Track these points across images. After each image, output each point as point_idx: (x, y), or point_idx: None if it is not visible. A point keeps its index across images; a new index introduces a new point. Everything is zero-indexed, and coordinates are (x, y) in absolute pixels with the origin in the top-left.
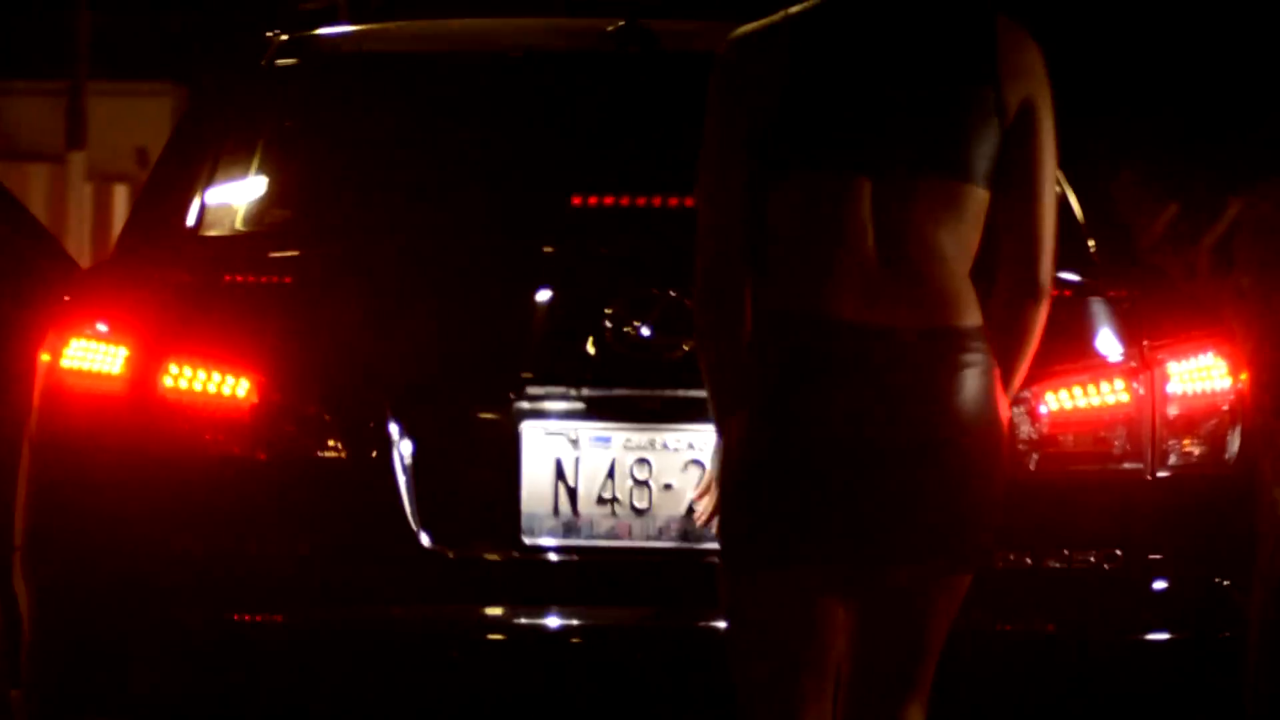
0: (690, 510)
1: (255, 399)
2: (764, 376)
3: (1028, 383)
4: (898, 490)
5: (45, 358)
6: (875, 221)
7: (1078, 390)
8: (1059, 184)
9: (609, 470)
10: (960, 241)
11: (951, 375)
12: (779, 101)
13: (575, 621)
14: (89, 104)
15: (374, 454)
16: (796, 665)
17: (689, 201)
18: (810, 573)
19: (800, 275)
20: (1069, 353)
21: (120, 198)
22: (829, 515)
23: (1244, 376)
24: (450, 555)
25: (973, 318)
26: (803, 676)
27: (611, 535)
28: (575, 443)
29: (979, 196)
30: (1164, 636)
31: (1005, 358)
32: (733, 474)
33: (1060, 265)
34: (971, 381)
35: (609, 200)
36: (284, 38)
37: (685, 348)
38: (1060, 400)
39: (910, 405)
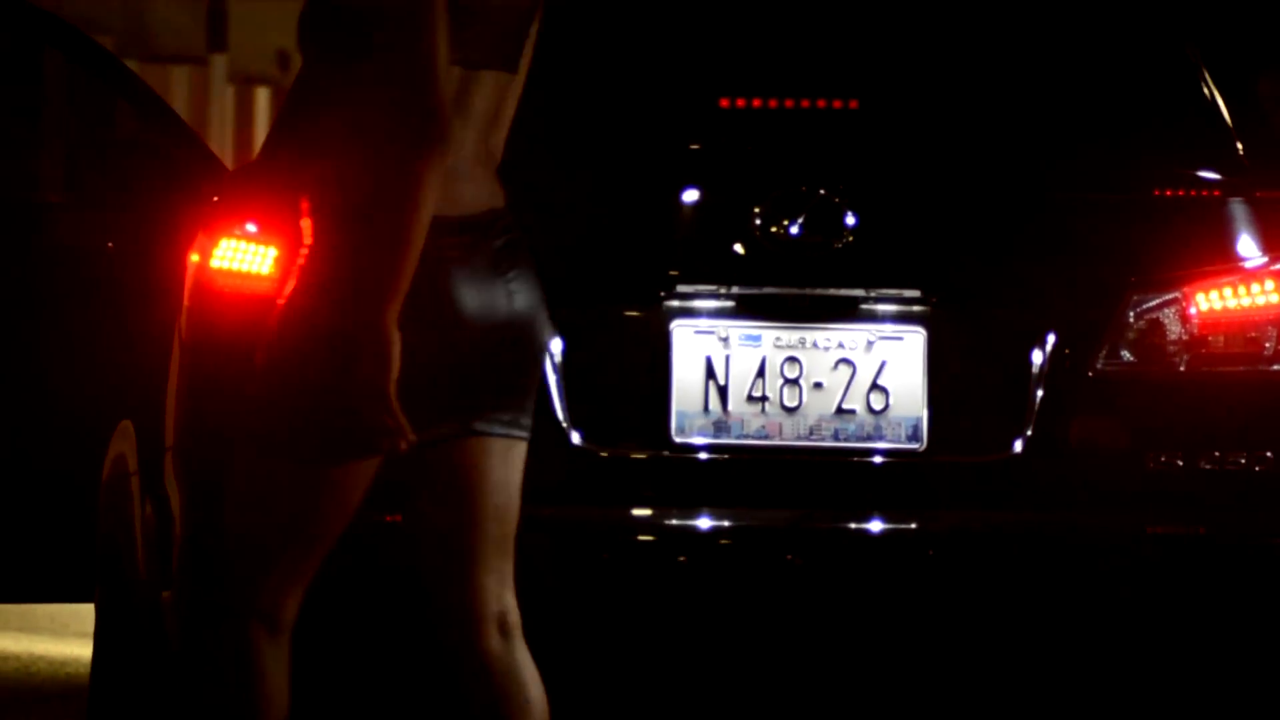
0: (840, 410)
1: None
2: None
3: (1178, 283)
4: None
5: (195, 258)
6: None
7: (1228, 291)
8: (1208, 85)
9: (759, 369)
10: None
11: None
12: None
13: (726, 522)
14: (230, 5)
15: None
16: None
17: (837, 102)
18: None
19: None
20: (1218, 253)
21: (262, 100)
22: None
23: None
24: (601, 454)
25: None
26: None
27: (761, 434)
28: (725, 341)
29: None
30: None
31: None
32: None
33: (1209, 166)
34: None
35: (757, 101)
36: None
37: (836, 245)
38: (1210, 301)
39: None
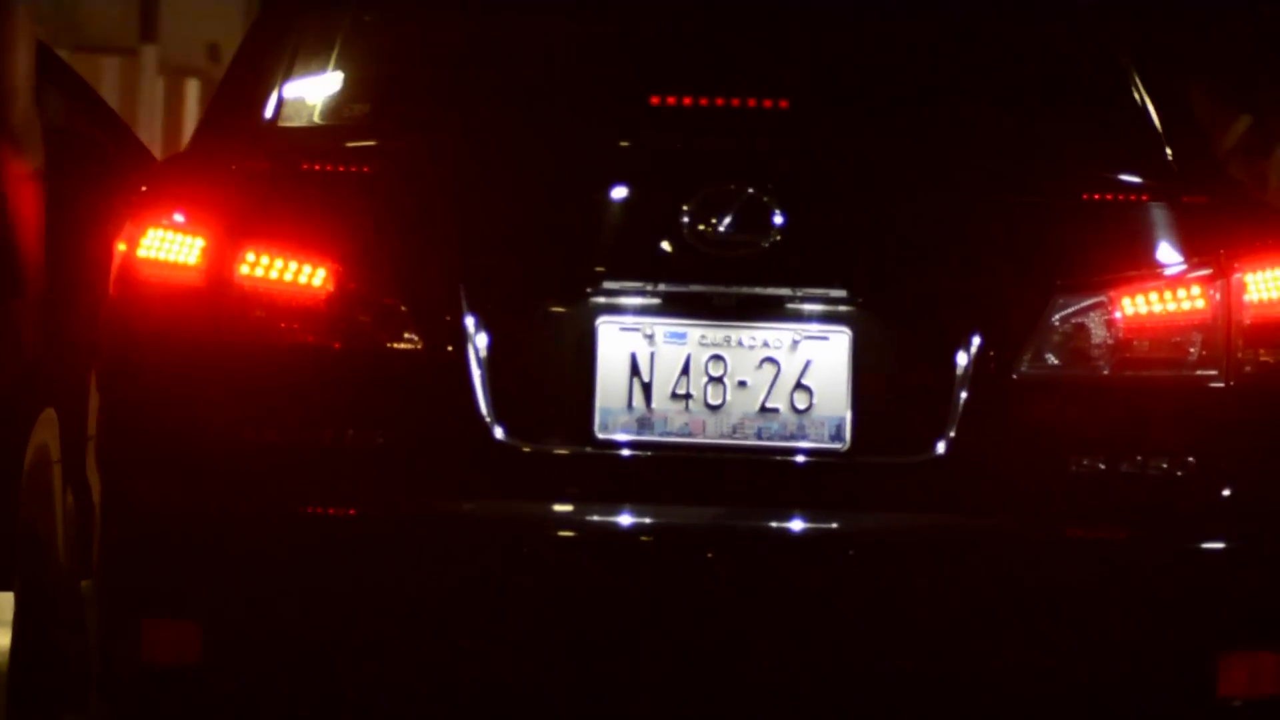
0: (764, 408)
1: (331, 288)
2: None
3: (1104, 287)
4: None
5: (121, 247)
6: None
7: (1153, 296)
8: (1138, 91)
9: (684, 366)
10: None
11: None
12: None
13: (647, 519)
14: None
15: (449, 347)
16: None
17: (767, 101)
18: None
19: None
20: (1144, 258)
21: (192, 91)
22: None
23: None
24: (523, 449)
25: None
26: None
27: (685, 432)
28: (650, 338)
29: None
30: (1231, 545)
31: None
32: None
33: (1137, 171)
34: None
35: (687, 99)
36: None
37: (763, 244)
38: (1135, 305)
39: None
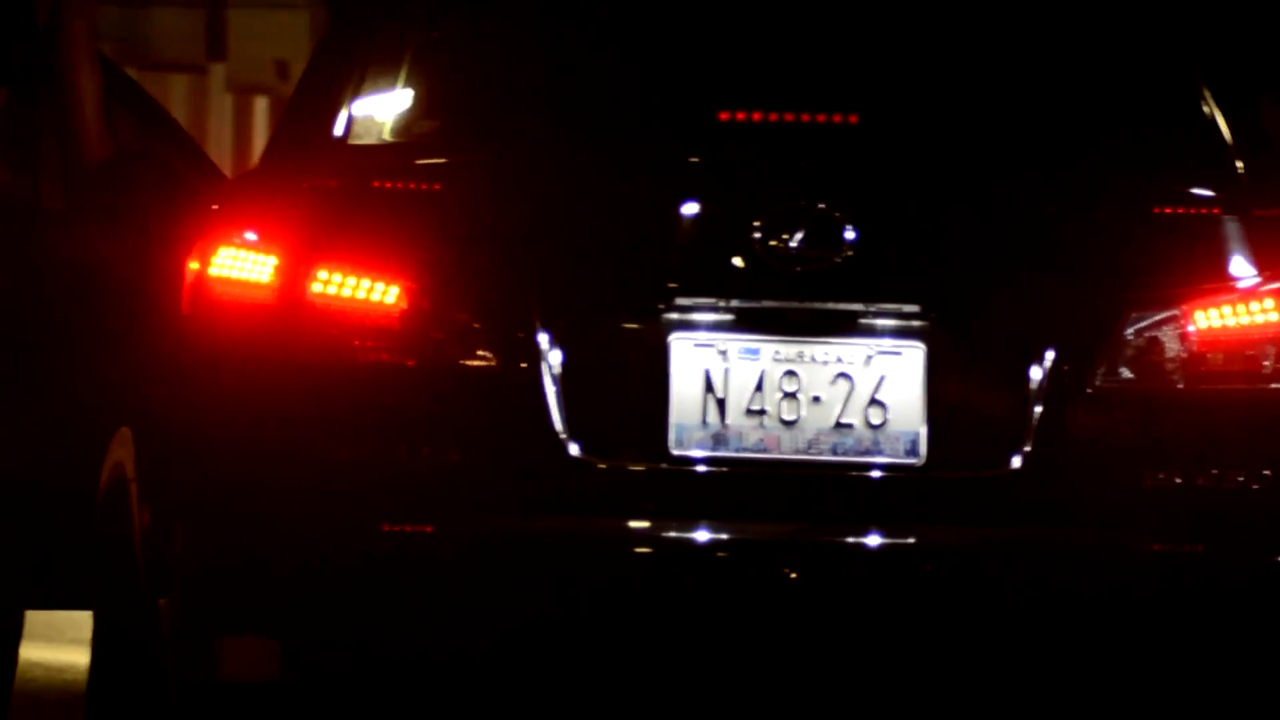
0: (839, 424)
1: (404, 306)
2: None
3: (1177, 300)
4: None
5: (194, 266)
6: None
7: (1226, 309)
8: (1209, 103)
9: (758, 382)
10: None
11: None
12: None
13: (722, 535)
14: (229, 16)
15: (522, 363)
16: None
17: (838, 116)
18: None
19: None
20: (1217, 271)
21: (260, 109)
22: None
23: None
24: (598, 466)
25: None
26: None
27: (759, 448)
28: (724, 354)
29: None
30: None
31: None
32: None
33: (1208, 184)
34: None
35: (757, 115)
36: None
37: (835, 260)
38: (1209, 318)
39: None
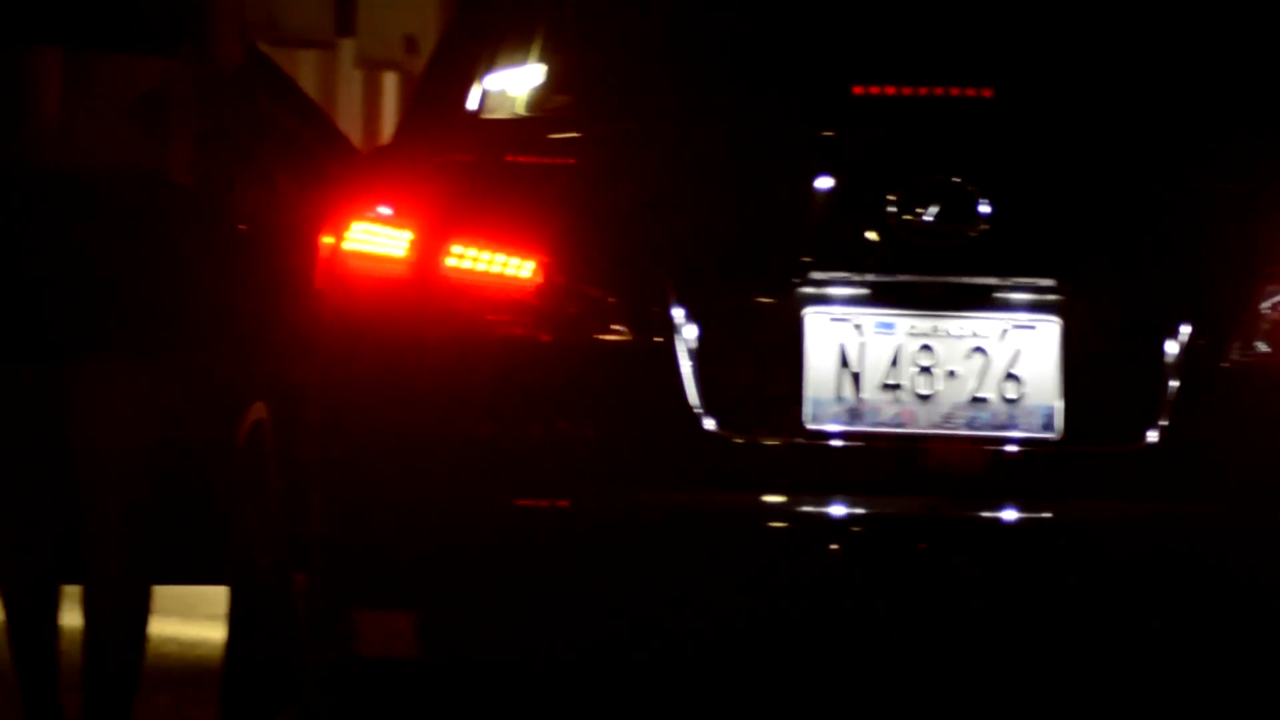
0: (974, 398)
1: (538, 281)
2: None
3: None
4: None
5: (328, 240)
6: None
7: None
8: None
9: (893, 357)
10: None
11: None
12: None
13: (858, 510)
14: None
15: (657, 338)
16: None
17: (971, 90)
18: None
19: None
20: None
21: (389, 85)
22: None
23: None
24: (733, 441)
25: None
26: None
27: (895, 422)
28: (859, 329)
29: None
30: None
31: None
32: None
33: None
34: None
35: (891, 89)
36: None
37: (970, 234)
38: None
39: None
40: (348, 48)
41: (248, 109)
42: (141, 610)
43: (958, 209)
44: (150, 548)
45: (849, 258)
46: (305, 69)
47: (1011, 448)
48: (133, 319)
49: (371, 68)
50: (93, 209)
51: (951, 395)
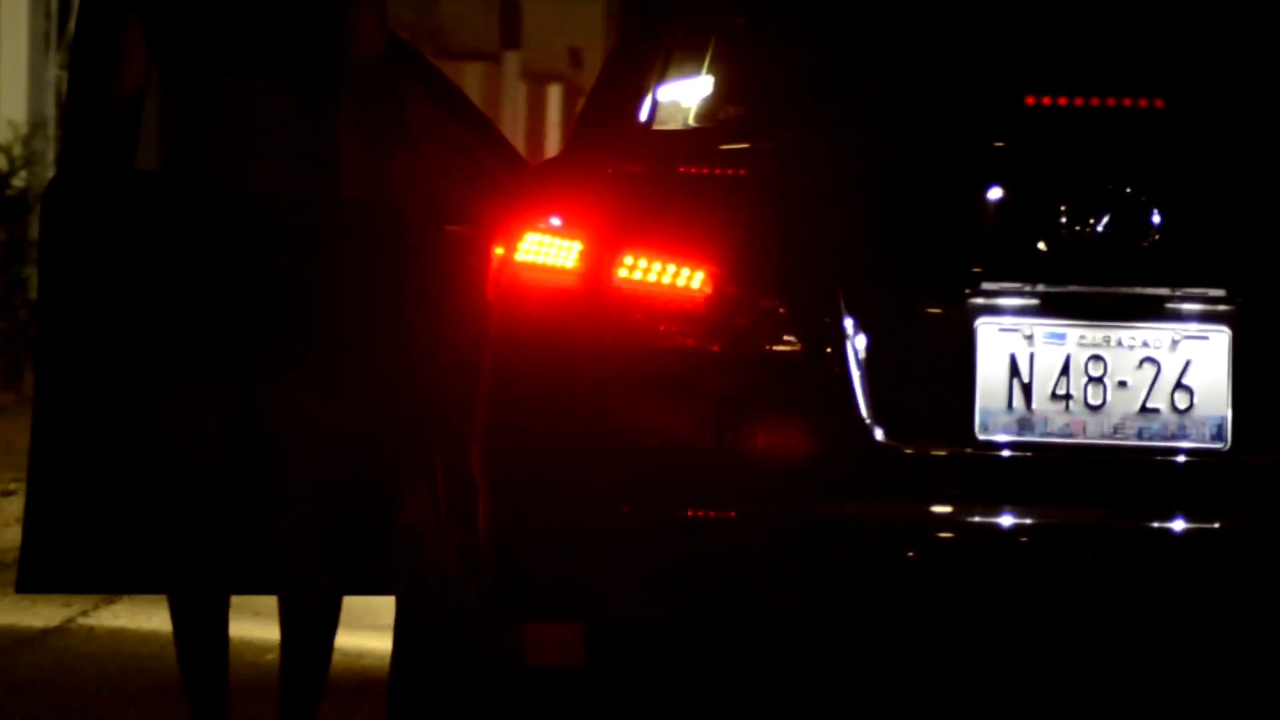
0: (1145, 408)
1: (709, 291)
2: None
3: None
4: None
5: (499, 251)
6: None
7: None
8: None
9: (1063, 366)
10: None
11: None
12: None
13: (1027, 520)
14: (523, 4)
15: (828, 348)
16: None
17: (1143, 100)
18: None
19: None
20: None
21: (554, 97)
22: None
23: None
24: (904, 451)
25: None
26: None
27: (1065, 432)
28: (1029, 339)
29: None
30: None
31: None
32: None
33: None
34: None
35: (1062, 99)
36: None
37: (1141, 244)
38: None
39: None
40: (512, 60)
41: (392, 105)
42: (334, 619)
43: (1129, 219)
44: (343, 556)
45: (1020, 268)
46: (471, 81)
47: (1181, 458)
48: (326, 334)
49: (536, 80)
50: (282, 228)
51: (1122, 405)
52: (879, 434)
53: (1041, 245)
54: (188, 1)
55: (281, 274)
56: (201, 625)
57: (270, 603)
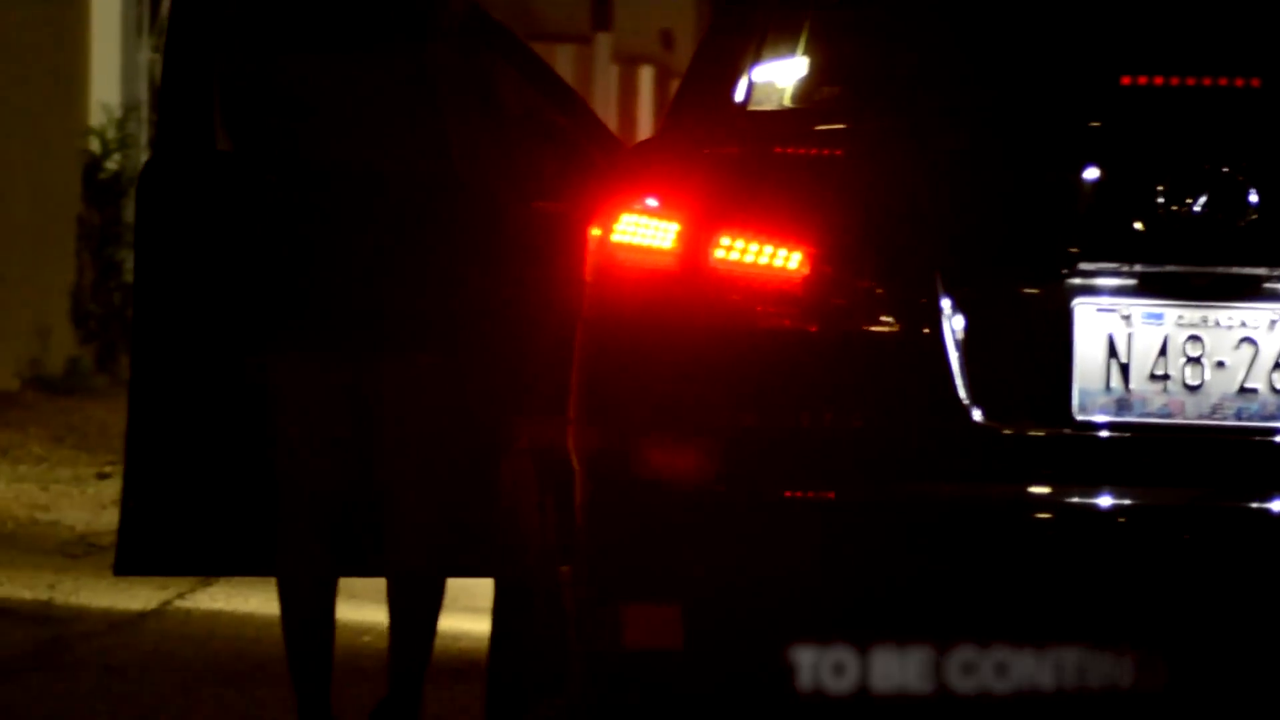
0: (1243, 389)
1: (806, 271)
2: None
3: None
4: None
5: (595, 232)
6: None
7: None
8: None
9: (1161, 347)
10: None
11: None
12: None
13: (1125, 501)
14: None
15: (925, 329)
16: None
17: (1239, 80)
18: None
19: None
20: None
21: (645, 79)
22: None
23: None
24: (1002, 432)
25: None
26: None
27: (1163, 413)
28: (1127, 319)
29: None
30: None
31: None
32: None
33: None
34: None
35: (1159, 79)
36: None
37: (1239, 223)
38: None
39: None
40: (604, 42)
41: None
42: (438, 602)
43: (1226, 198)
44: (449, 540)
45: (1117, 248)
46: (562, 64)
47: None
48: (439, 317)
49: (627, 62)
50: (395, 209)
51: (1220, 386)
52: (977, 415)
53: (1138, 225)
54: None
55: (393, 253)
56: (311, 607)
57: (365, 585)
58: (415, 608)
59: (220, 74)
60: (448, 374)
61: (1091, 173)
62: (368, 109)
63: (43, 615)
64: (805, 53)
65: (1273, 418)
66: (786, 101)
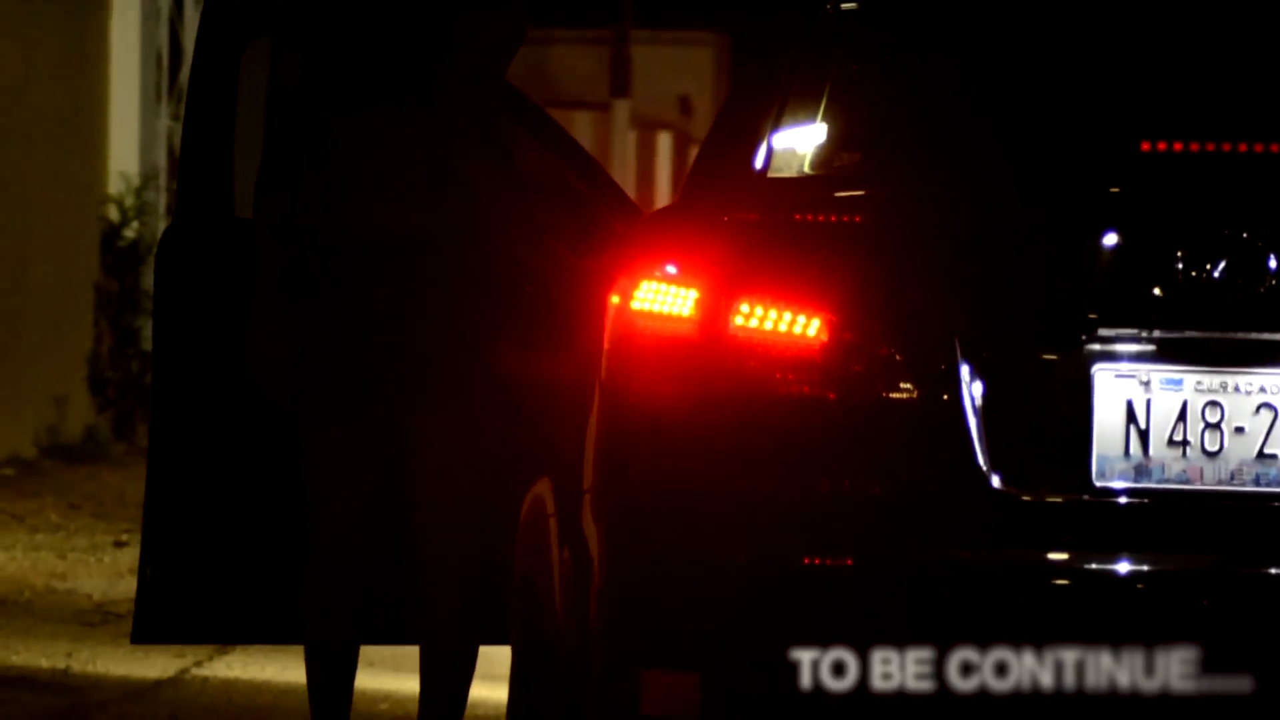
0: (1262, 454)
1: (825, 338)
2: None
3: None
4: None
5: (614, 300)
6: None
7: None
8: None
9: (1180, 412)
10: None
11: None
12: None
13: (1143, 567)
14: (632, 53)
15: (944, 395)
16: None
17: (1259, 145)
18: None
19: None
20: None
21: (664, 145)
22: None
23: None
24: (1021, 498)
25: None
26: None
27: (1182, 479)
28: (1146, 385)
29: None
30: None
31: None
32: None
33: None
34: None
35: (1178, 145)
36: None
37: (1259, 289)
38: None
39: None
40: (622, 109)
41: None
42: (471, 669)
43: (1245, 264)
44: (479, 606)
45: (1136, 314)
46: (581, 130)
47: None
48: (465, 377)
49: (646, 128)
50: (422, 267)
51: (1239, 451)
52: (995, 481)
53: (1158, 291)
54: (313, 47)
55: (424, 315)
56: (337, 673)
57: (381, 652)
58: (448, 675)
59: (269, 128)
60: (480, 431)
61: (1111, 238)
62: (399, 167)
63: (60, 684)
64: (824, 119)
65: None
66: (806, 168)
